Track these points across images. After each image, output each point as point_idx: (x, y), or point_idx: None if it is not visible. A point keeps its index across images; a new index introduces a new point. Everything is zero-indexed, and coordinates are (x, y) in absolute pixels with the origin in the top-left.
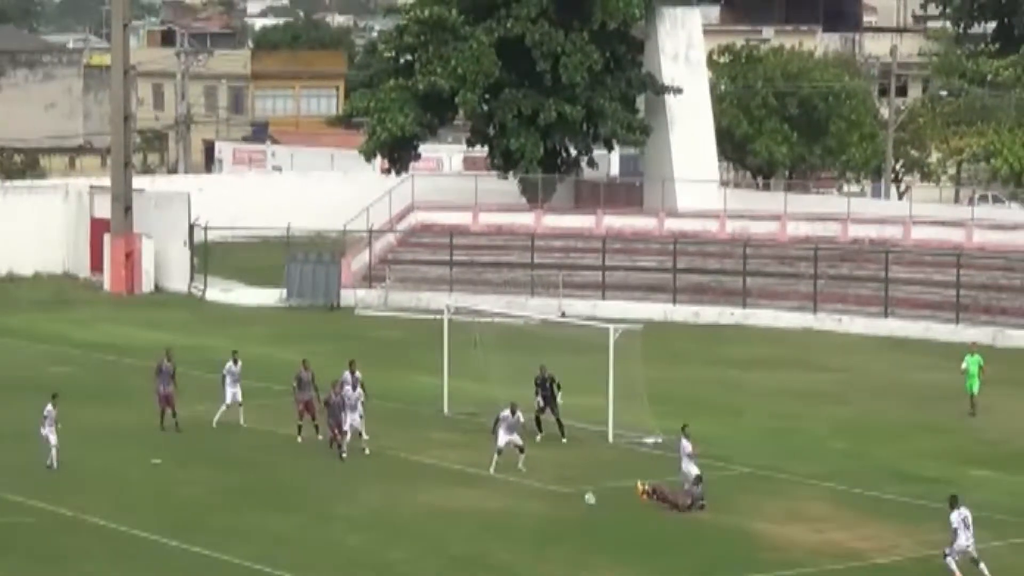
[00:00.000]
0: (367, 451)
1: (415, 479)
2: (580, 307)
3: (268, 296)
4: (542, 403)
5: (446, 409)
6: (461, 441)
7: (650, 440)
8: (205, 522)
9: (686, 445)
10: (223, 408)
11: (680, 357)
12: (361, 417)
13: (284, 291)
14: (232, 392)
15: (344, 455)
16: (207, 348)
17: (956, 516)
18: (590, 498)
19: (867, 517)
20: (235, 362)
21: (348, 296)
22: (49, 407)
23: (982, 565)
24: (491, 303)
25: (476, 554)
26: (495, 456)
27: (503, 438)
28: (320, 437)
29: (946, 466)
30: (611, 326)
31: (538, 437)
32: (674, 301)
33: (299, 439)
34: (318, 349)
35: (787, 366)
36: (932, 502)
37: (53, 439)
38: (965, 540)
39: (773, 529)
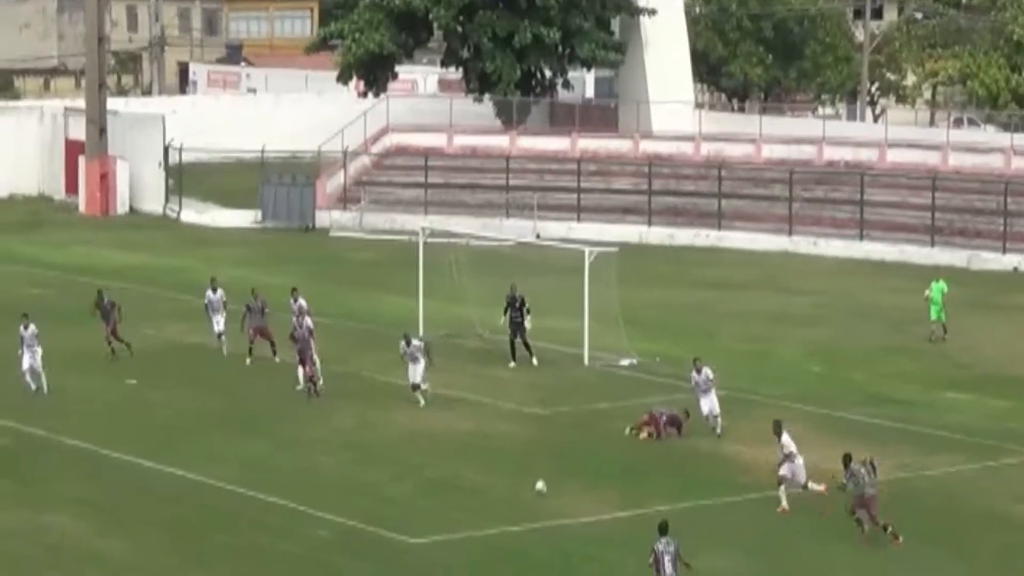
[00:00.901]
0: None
1: (389, 402)
2: (555, 229)
3: (243, 218)
4: (512, 328)
5: (421, 331)
6: (436, 363)
7: (625, 362)
8: (180, 444)
9: (703, 376)
10: (221, 338)
11: (655, 279)
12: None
13: (259, 213)
14: (216, 319)
15: (319, 394)
16: (182, 269)
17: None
18: (541, 487)
19: (841, 439)
20: (214, 290)
21: (323, 218)
22: (25, 329)
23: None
24: (466, 225)
25: (450, 476)
26: (416, 394)
27: (412, 372)
28: (277, 359)
29: (920, 389)
30: (586, 248)
31: (511, 364)
32: (649, 223)
33: (248, 361)
34: (293, 270)
35: (762, 289)
36: (906, 424)
37: (37, 363)
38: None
39: (747, 452)
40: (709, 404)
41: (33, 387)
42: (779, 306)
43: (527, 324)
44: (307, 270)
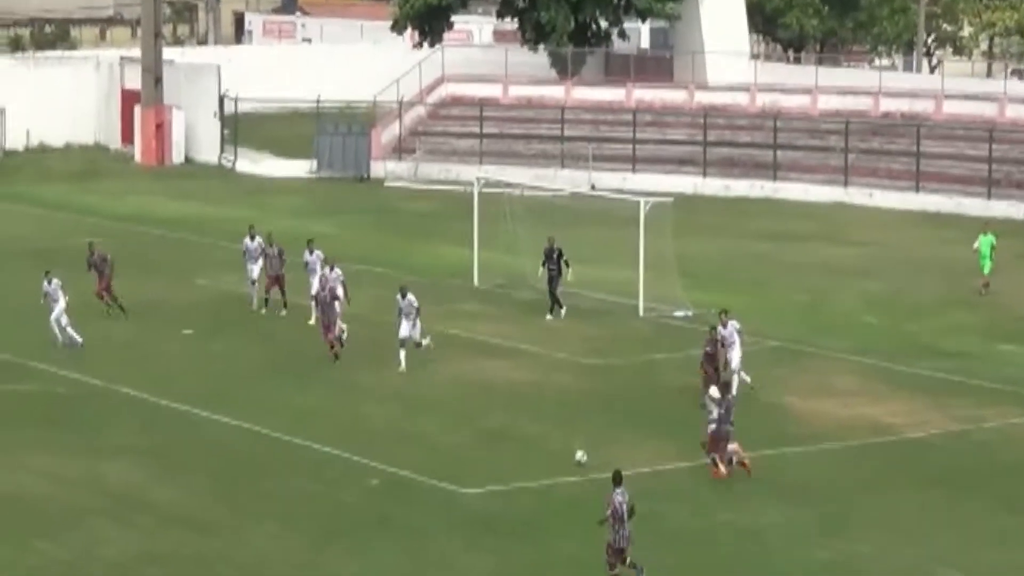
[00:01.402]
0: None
1: (444, 351)
2: (610, 180)
3: (298, 167)
4: (549, 280)
5: (476, 281)
6: (491, 313)
7: (680, 313)
8: (233, 393)
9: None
10: (254, 286)
11: (710, 230)
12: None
13: (314, 163)
14: (251, 268)
15: (338, 356)
16: (237, 219)
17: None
18: (581, 456)
19: (897, 391)
20: (252, 238)
21: (378, 168)
22: (47, 284)
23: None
24: (521, 176)
25: (504, 426)
26: (400, 350)
27: (404, 328)
28: (284, 313)
29: (976, 341)
30: (641, 199)
31: (548, 316)
32: (704, 174)
33: (263, 310)
34: (348, 221)
35: (817, 240)
36: (963, 377)
37: (64, 318)
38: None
39: (802, 403)
40: (736, 359)
41: (60, 339)
42: (834, 258)
43: (568, 276)
44: (361, 220)
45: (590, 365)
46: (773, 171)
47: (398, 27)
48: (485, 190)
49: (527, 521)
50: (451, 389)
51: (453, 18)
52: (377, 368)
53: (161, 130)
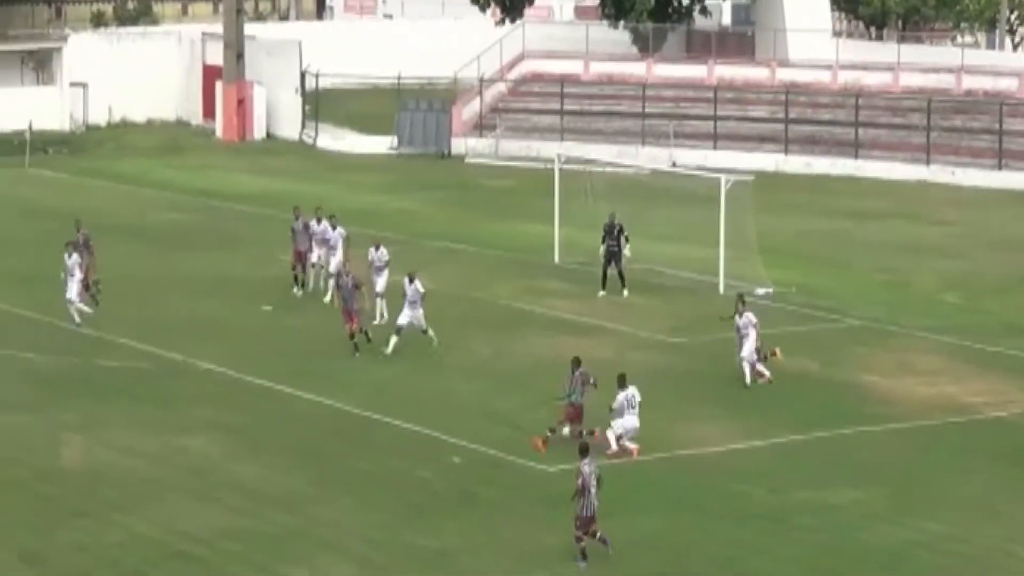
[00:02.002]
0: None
1: (525, 329)
2: (691, 157)
3: (378, 144)
4: (607, 256)
5: (556, 258)
6: (572, 290)
7: (761, 291)
8: (314, 369)
9: (744, 319)
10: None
11: (791, 208)
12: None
13: (394, 139)
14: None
15: (363, 346)
16: (318, 195)
17: (622, 396)
18: (567, 433)
19: (980, 371)
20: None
21: (458, 144)
22: (69, 257)
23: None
24: (601, 152)
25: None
26: (394, 337)
27: (405, 315)
28: (300, 293)
29: None
30: (722, 176)
31: (600, 293)
32: (785, 152)
33: (295, 290)
34: (428, 197)
35: (899, 218)
36: None
37: (74, 291)
38: (631, 421)
39: (884, 382)
40: (748, 349)
41: (77, 320)
42: (915, 236)
43: (626, 252)
44: (442, 197)
45: (670, 343)
46: (855, 149)
47: (480, 2)
48: (566, 167)
49: (606, 500)
50: (533, 366)
51: None
52: (459, 344)
53: (242, 106)
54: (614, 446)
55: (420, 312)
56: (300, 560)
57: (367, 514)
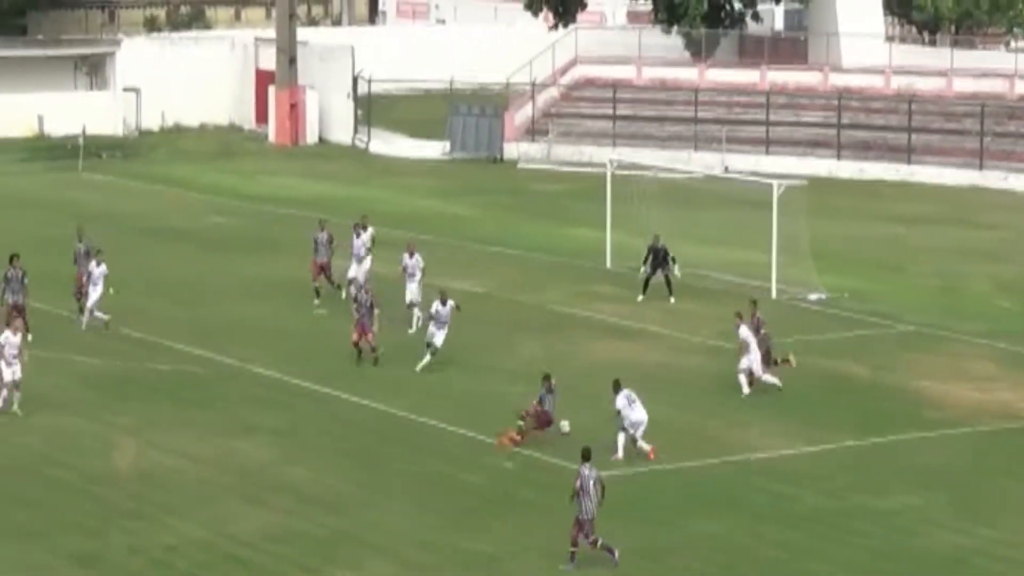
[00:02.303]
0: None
1: (576, 333)
2: (743, 162)
3: (431, 149)
4: (650, 270)
5: (608, 263)
6: (622, 295)
7: (813, 296)
8: (366, 373)
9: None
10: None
11: (844, 213)
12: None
13: (447, 144)
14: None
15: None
16: (371, 200)
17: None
18: (565, 426)
19: None
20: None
21: (511, 149)
22: (95, 266)
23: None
24: (654, 157)
25: None
26: (427, 355)
27: (439, 336)
28: (336, 288)
29: None
30: (775, 182)
31: (639, 298)
32: (838, 157)
33: (316, 303)
34: (480, 201)
35: (952, 223)
36: None
37: (94, 297)
38: (639, 414)
39: (937, 387)
40: (744, 362)
41: (89, 323)
42: (968, 241)
43: (676, 273)
44: (495, 201)
45: (721, 347)
46: (908, 154)
47: (533, 6)
48: (618, 172)
49: (658, 505)
50: (583, 370)
51: (587, 0)
52: (511, 349)
53: (295, 110)
54: (620, 454)
55: (444, 332)
56: (349, 563)
57: (415, 517)
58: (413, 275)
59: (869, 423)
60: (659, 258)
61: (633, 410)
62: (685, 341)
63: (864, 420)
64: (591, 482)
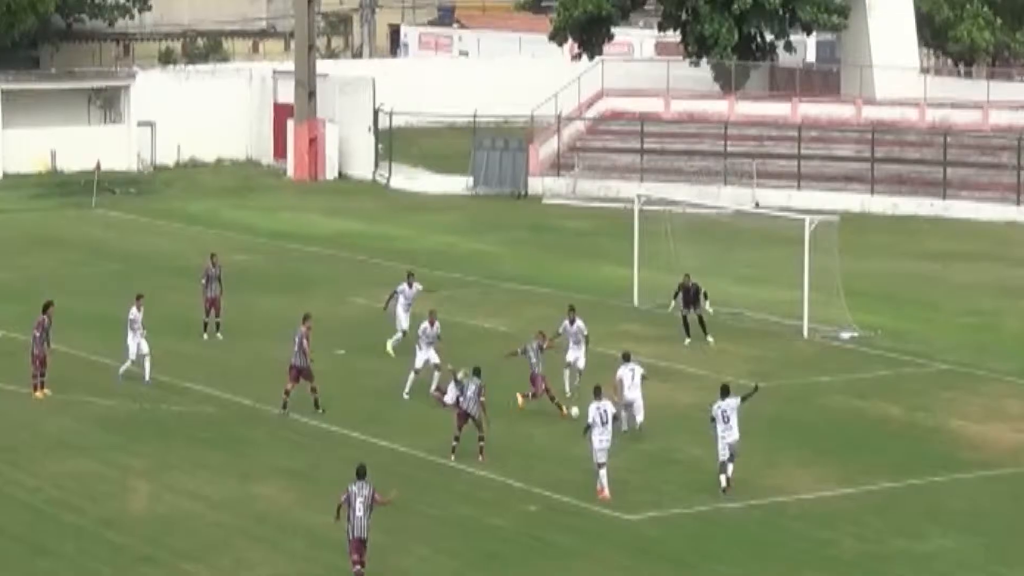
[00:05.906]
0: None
1: (604, 373)
2: (774, 197)
3: (454, 184)
4: (683, 305)
5: (636, 301)
6: (652, 333)
7: (846, 335)
8: (387, 414)
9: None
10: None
11: (877, 250)
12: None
13: (470, 179)
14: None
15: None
16: (393, 236)
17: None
18: (574, 412)
19: None
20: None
21: (535, 184)
22: (134, 311)
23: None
24: (682, 192)
25: (666, 449)
26: (411, 375)
27: (420, 357)
28: (209, 336)
29: None
30: (807, 217)
31: (686, 341)
32: (872, 192)
33: (204, 335)
34: (505, 238)
35: (988, 260)
36: None
37: (145, 347)
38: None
39: (973, 428)
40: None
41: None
42: (1005, 278)
43: (708, 309)
44: (520, 238)
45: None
46: (943, 189)
47: (558, 37)
48: (646, 208)
49: (689, 548)
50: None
51: (614, 31)
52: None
53: (314, 145)
54: (605, 492)
55: (433, 351)
56: None
57: (439, 562)
58: (579, 342)
59: (905, 464)
60: (690, 296)
61: (627, 390)
62: (716, 380)
63: (900, 461)
64: (359, 500)
